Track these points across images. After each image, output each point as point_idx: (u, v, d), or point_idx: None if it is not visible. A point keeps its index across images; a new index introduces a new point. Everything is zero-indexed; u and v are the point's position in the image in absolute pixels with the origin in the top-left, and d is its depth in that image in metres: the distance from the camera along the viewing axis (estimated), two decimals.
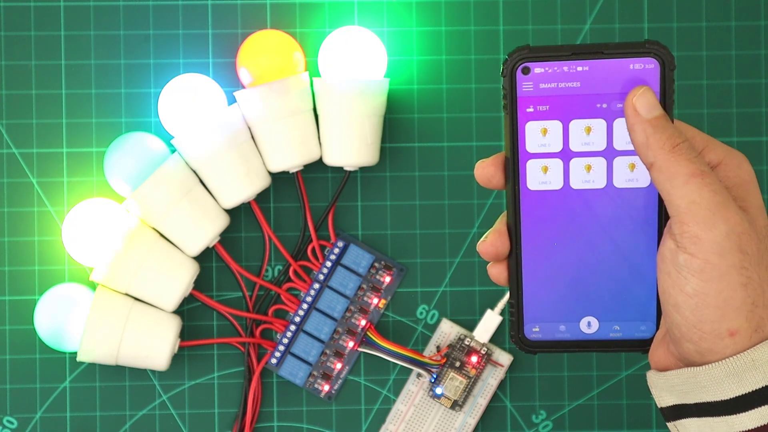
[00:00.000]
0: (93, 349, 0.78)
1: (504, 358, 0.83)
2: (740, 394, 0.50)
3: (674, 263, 0.51)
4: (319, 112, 0.81)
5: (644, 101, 0.52)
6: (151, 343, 0.79)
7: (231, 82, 0.83)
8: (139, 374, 0.83)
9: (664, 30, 0.84)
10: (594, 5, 0.84)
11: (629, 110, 0.52)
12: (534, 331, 0.56)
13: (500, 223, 0.56)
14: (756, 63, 0.84)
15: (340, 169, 0.83)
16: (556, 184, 0.54)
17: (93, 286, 0.80)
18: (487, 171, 0.55)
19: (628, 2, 0.84)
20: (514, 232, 0.55)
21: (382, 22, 0.83)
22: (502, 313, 0.82)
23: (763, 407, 0.50)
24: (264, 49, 0.80)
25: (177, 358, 0.82)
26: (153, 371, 0.83)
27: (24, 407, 0.82)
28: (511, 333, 0.57)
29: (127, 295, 0.80)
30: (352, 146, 0.80)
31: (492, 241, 0.55)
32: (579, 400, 0.84)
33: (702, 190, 0.50)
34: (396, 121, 0.84)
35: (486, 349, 0.82)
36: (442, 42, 0.84)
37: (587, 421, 0.84)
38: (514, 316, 0.56)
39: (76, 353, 0.80)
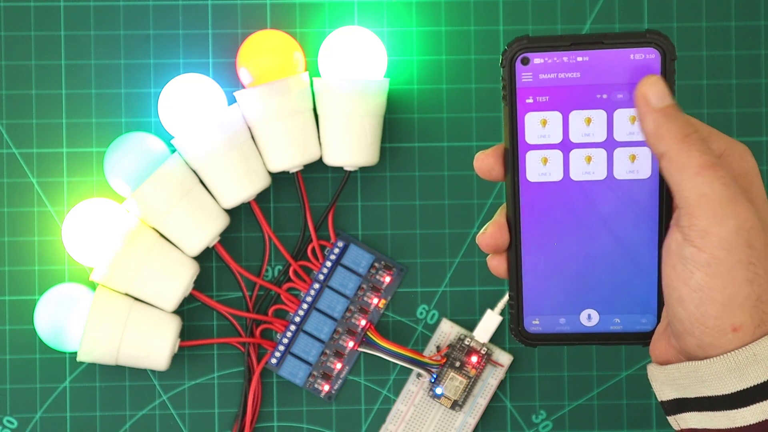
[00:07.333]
0: (93, 349, 0.78)
1: (504, 358, 0.82)
2: (742, 389, 0.50)
3: (680, 256, 0.50)
4: (319, 112, 0.81)
5: (655, 90, 0.50)
6: (151, 343, 0.79)
7: (231, 82, 0.83)
8: (139, 374, 0.83)
9: (664, 30, 0.83)
10: (594, 5, 0.84)
11: (640, 99, 0.51)
12: (534, 323, 0.56)
13: (500, 215, 0.56)
14: (756, 63, 0.84)
15: (340, 169, 0.83)
16: (556, 175, 0.54)
17: (93, 286, 0.80)
18: (487, 162, 0.55)
19: (628, 2, 0.84)
20: (513, 224, 0.55)
21: (382, 22, 0.83)
22: (502, 313, 0.82)
23: (764, 402, 0.50)
24: (264, 49, 0.80)
25: (177, 358, 0.82)
26: (153, 371, 0.83)
27: (24, 407, 0.82)
28: (510, 326, 0.56)
29: (127, 295, 0.80)
30: (352, 146, 0.80)
31: (492, 233, 0.55)
32: (579, 400, 0.83)
33: (713, 183, 0.49)
34: (396, 121, 0.84)
35: (486, 349, 0.82)
36: (442, 42, 0.84)
37: (587, 421, 0.83)
38: (514, 308, 0.56)
39: (76, 353, 0.80)
